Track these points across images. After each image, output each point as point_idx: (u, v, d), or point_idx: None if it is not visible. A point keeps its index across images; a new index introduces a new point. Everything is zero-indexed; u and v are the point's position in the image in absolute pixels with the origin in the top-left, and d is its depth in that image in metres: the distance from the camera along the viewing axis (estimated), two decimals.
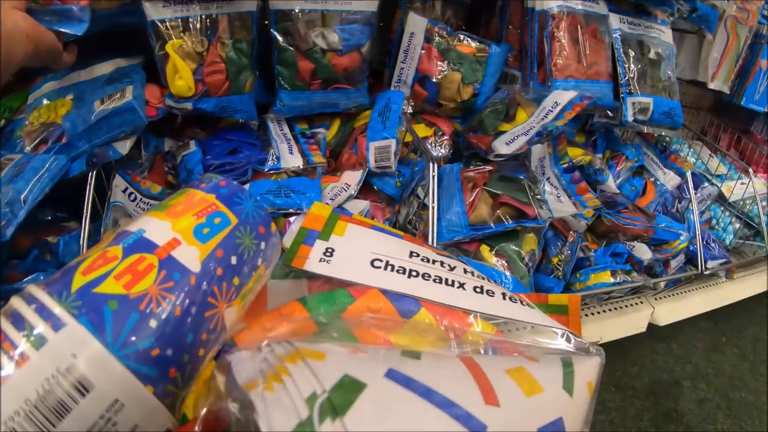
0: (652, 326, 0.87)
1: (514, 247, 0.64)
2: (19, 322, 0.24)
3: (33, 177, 0.61)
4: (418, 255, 0.43)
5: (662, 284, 0.84)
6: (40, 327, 0.24)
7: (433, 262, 0.43)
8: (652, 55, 0.85)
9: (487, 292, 0.40)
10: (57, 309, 0.24)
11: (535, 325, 0.38)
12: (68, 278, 0.26)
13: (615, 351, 1.01)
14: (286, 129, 0.67)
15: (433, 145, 0.70)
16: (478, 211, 0.64)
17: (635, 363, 1.01)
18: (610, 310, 0.82)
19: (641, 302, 0.86)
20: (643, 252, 0.78)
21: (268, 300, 0.38)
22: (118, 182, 0.65)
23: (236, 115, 0.65)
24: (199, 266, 0.29)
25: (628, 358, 1.02)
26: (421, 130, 0.72)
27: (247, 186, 0.62)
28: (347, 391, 0.23)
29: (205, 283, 0.29)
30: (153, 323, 0.26)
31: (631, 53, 0.82)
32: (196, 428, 0.26)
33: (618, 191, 0.77)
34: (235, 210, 0.32)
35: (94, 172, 0.63)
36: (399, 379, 0.25)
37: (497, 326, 0.38)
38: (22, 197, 0.59)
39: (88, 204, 0.62)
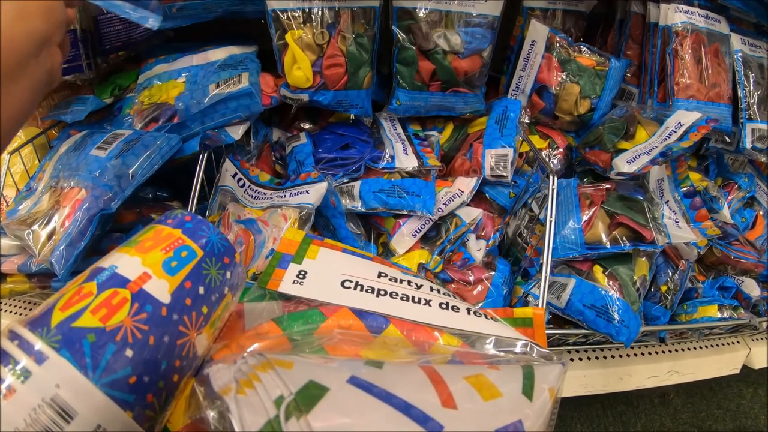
0: (742, 369, 0.81)
1: (627, 270, 0.61)
2: (3, 357, 0.26)
3: (143, 153, 0.60)
4: (386, 275, 0.44)
5: (764, 324, 0.79)
6: (24, 361, 0.25)
7: (401, 281, 0.44)
8: None
9: (452, 308, 0.42)
10: (39, 344, 0.26)
11: (500, 337, 0.39)
12: (47, 315, 0.28)
13: (701, 392, 0.96)
14: (400, 129, 0.66)
15: (548, 158, 0.68)
16: (594, 229, 0.61)
17: (720, 406, 0.95)
18: (707, 346, 0.77)
19: (738, 342, 0.81)
20: (752, 288, 0.73)
21: (245, 321, 0.40)
22: (228, 167, 0.64)
23: (351, 110, 0.64)
24: (169, 298, 0.31)
25: (714, 400, 0.96)
26: (536, 141, 0.69)
27: (358, 182, 0.61)
28: (311, 394, 0.25)
29: (175, 313, 0.30)
30: (129, 353, 0.27)
31: (752, 76, 0.78)
32: None
33: (731, 221, 0.72)
34: (201, 243, 0.34)
35: (205, 155, 0.62)
36: (361, 384, 0.27)
37: (463, 340, 0.39)
38: (130, 172, 0.59)
39: (197, 185, 0.61)
